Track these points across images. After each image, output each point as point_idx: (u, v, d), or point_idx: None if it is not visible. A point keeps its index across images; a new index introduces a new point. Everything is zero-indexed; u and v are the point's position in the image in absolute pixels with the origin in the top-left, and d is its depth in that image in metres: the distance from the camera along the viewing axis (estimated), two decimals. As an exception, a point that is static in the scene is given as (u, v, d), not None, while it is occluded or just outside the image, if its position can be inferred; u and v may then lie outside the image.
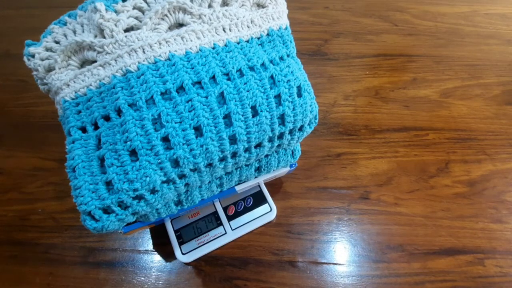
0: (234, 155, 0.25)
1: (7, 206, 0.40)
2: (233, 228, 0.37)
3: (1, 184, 0.42)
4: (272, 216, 0.39)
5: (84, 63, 0.26)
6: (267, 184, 0.41)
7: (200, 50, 0.25)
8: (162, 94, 0.23)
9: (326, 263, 0.37)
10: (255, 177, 0.34)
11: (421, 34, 0.61)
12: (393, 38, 0.61)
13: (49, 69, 0.26)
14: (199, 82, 0.23)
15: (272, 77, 0.25)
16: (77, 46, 0.25)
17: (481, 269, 0.36)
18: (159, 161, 0.22)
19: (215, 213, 0.38)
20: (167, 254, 0.37)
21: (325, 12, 0.65)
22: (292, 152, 0.34)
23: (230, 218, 0.38)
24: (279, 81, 0.25)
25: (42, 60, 0.25)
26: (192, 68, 0.24)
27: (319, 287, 0.35)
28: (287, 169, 0.36)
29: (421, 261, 0.37)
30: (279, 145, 0.29)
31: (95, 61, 0.25)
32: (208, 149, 0.23)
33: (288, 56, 0.28)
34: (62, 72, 0.25)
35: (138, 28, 0.25)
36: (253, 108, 0.24)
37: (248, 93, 0.24)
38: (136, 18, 0.25)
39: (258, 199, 0.39)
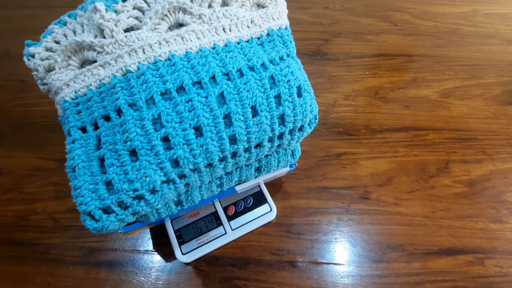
0: (234, 155, 0.25)
1: (7, 206, 0.40)
2: (233, 228, 0.37)
3: (1, 184, 0.42)
4: (272, 216, 0.39)
5: (84, 63, 0.26)
6: (267, 184, 0.41)
7: (200, 50, 0.25)
8: (162, 94, 0.23)
9: (326, 263, 0.37)
10: (255, 177, 0.34)
11: (421, 34, 0.61)
12: (393, 38, 0.61)
13: (49, 69, 0.26)
14: (199, 82, 0.23)
15: (272, 77, 0.25)
16: (77, 46, 0.25)
17: (481, 269, 0.36)
18: (159, 161, 0.22)
19: (215, 213, 0.38)
20: (167, 254, 0.37)
21: (325, 12, 0.65)
22: (292, 152, 0.34)
23: (230, 218, 0.38)
24: (279, 81, 0.25)
25: (42, 60, 0.25)
26: (192, 68, 0.24)
27: (319, 287, 0.35)
28: (287, 169, 0.36)
29: (421, 261, 0.37)
30: (279, 145, 0.29)
31: (95, 61, 0.24)
32: (208, 149, 0.23)
33: (288, 56, 0.28)
34: (62, 72, 0.25)
35: (138, 28, 0.25)
36: (253, 108, 0.24)
37: (248, 93, 0.24)
38: (136, 18, 0.25)
39: (258, 199, 0.39)
